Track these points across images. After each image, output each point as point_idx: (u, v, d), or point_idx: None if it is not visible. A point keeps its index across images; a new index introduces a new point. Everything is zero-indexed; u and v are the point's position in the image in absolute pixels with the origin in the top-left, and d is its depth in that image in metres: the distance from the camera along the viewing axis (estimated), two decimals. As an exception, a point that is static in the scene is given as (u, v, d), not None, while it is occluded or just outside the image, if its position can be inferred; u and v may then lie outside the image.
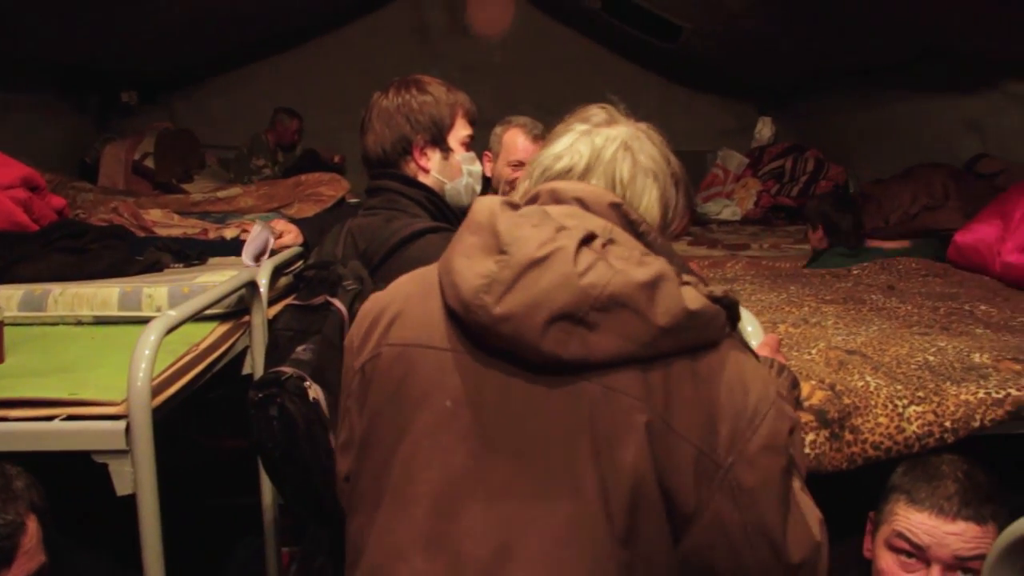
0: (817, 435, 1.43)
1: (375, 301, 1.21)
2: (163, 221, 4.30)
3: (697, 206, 5.75)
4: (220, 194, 4.77)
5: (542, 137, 2.85)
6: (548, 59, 6.45)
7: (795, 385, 1.36)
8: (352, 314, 1.57)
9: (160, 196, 5.02)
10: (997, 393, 1.50)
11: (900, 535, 1.47)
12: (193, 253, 2.88)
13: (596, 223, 1.06)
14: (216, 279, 2.18)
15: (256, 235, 2.35)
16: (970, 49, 4.05)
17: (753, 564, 1.02)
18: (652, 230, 1.11)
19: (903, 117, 4.86)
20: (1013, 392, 1.50)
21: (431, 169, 1.85)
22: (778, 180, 5.83)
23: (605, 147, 1.15)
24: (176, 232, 4.13)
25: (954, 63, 4.24)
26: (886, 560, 1.50)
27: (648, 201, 1.15)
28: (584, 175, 1.15)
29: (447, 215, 1.83)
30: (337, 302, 1.61)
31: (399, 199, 1.82)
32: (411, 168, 1.85)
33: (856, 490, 1.62)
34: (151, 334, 1.47)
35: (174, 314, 1.57)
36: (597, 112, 1.21)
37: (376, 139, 1.84)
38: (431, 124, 1.83)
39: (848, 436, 1.45)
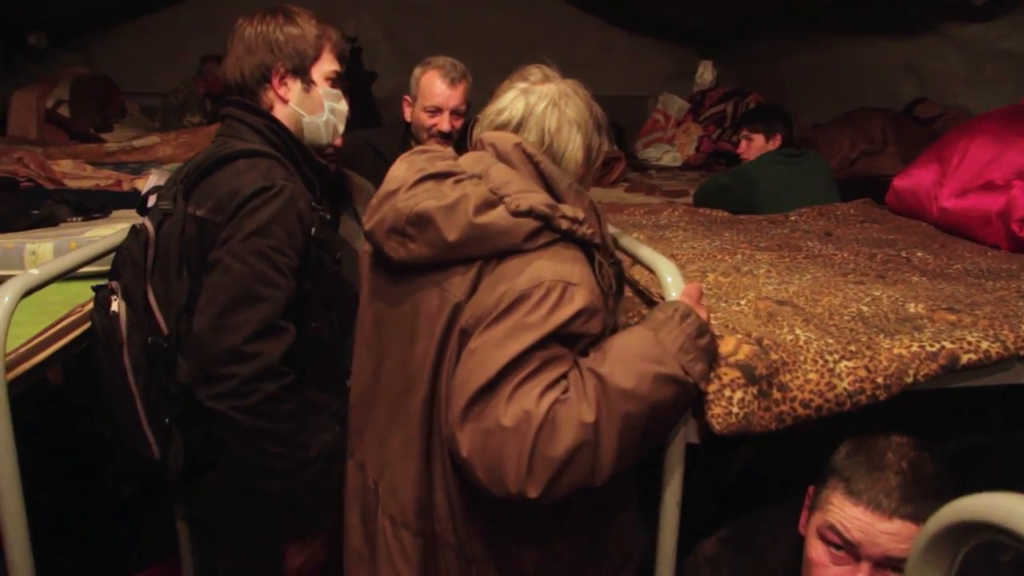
0: (745, 392, 1.33)
1: None
2: (74, 172, 4.04)
3: (637, 152, 5.64)
4: (136, 143, 4.50)
5: (461, 80, 2.69)
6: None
7: (701, 332, 1.31)
8: (159, 234, 1.62)
9: (74, 146, 4.73)
10: (931, 346, 1.42)
11: (832, 528, 1.38)
12: (95, 206, 2.68)
13: (482, 165, 1.38)
14: (105, 232, 2.00)
15: (153, 183, 2.16)
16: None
17: (448, 417, 1.27)
18: (544, 160, 1.38)
19: (844, 60, 4.78)
20: (947, 345, 1.42)
21: (290, 100, 1.76)
22: (719, 125, 5.74)
23: (537, 104, 1.43)
24: (88, 184, 3.89)
25: (895, 5, 4.16)
26: (816, 550, 1.41)
27: (573, 146, 1.44)
28: (519, 127, 1.43)
29: (291, 148, 1.74)
30: (148, 223, 1.64)
31: (238, 126, 1.73)
32: (269, 97, 1.76)
33: (800, 453, 1.56)
34: (4, 295, 1.30)
35: (36, 273, 1.40)
36: (535, 72, 1.49)
37: (235, 64, 1.75)
38: (294, 54, 1.74)
39: (776, 394, 1.35)
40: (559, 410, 1.18)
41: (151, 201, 1.73)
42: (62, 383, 2.32)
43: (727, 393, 1.33)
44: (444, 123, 2.70)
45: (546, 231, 1.29)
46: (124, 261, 1.67)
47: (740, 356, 1.36)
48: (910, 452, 1.38)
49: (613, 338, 1.29)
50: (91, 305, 1.81)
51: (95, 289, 1.67)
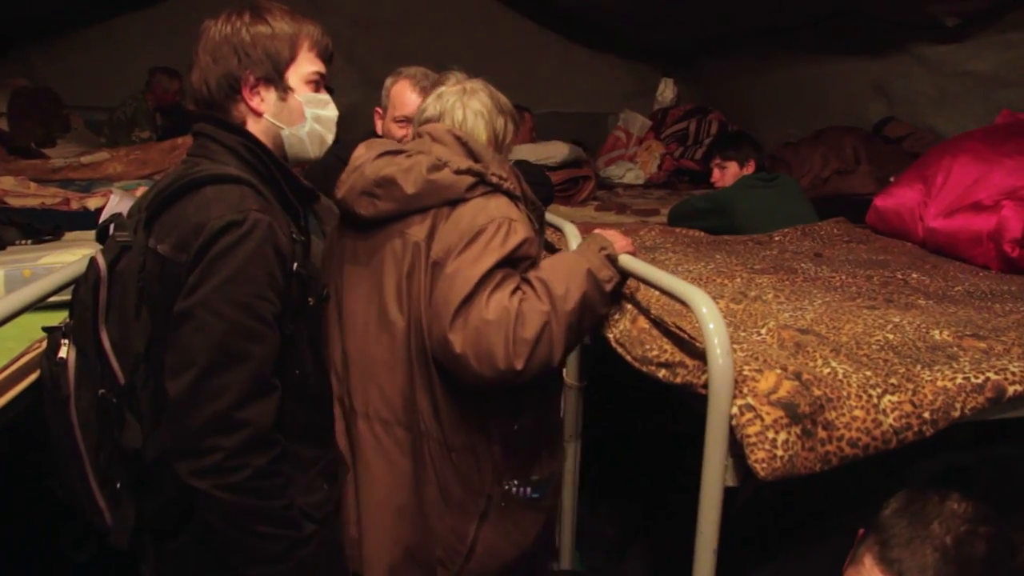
0: (788, 433, 1.23)
1: None
2: (16, 190, 3.79)
3: (599, 170, 5.58)
4: (84, 159, 4.27)
5: (433, 87, 2.60)
6: (442, 14, 6.09)
7: (604, 247, 1.77)
8: (114, 271, 1.42)
9: (15, 161, 4.48)
10: (976, 378, 1.34)
11: None
12: (45, 227, 2.49)
13: (425, 146, 1.76)
14: (65, 259, 1.83)
15: (115, 206, 2.00)
16: (877, 10, 3.97)
17: (434, 328, 1.62)
18: (472, 141, 1.77)
19: (809, 79, 4.78)
20: (992, 376, 1.35)
21: (264, 112, 1.52)
22: (681, 143, 5.70)
23: (447, 102, 1.84)
24: (32, 202, 3.66)
25: (861, 24, 4.16)
26: None
27: (480, 130, 1.83)
28: (439, 120, 1.84)
29: (271, 169, 1.51)
30: (99, 258, 1.42)
31: (209, 144, 1.50)
32: (240, 109, 1.52)
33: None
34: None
35: (-9, 310, 1.23)
36: (450, 77, 1.92)
37: (201, 75, 1.50)
38: (265, 58, 1.49)
39: (822, 433, 1.26)
40: (524, 305, 1.58)
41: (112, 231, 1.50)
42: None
43: (770, 435, 1.22)
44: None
45: (481, 184, 1.71)
46: (75, 300, 1.47)
47: (782, 393, 1.26)
48: (961, 525, 1.22)
49: (545, 260, 1.75)
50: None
51: (46, 330, 1.45)
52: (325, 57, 1.58)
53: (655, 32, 5.95)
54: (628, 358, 1.63)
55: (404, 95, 2.55)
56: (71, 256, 1.85)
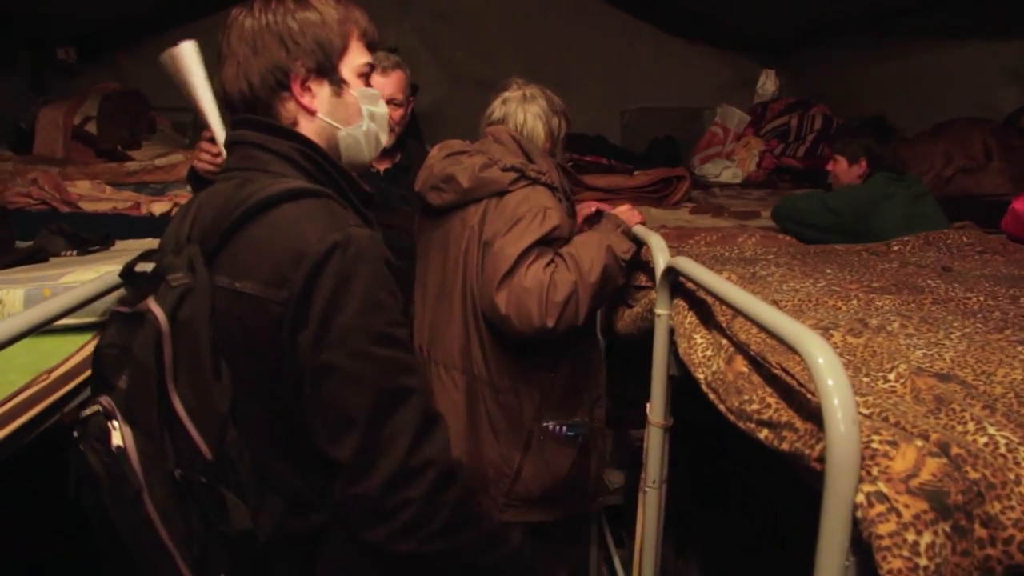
0: (935, 533, 0.92)
1: None
2: (91, 194, 3.75)
3: (694, 168, 5.24)
4: (159, 162, 4.20)
5: (394, 69, 2.67)
6: (530, 6, 5.83)
7: (618, 224, 2.23)
8: (176, 321, 1.16)
9: (98, 165, 4.45)
10: None
11: None
12: (94, 237, 2.36)
13: (486, 146, 2.23)
14: (84, 277, 1.66)
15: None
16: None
17: (484, 294, 2.09)
18: (528, 142, 2.24)
19: (927, 67, 4.32)
20: None
21: (318, 109, 1.33)
22: (782, 139, 5.30)
23: (510, 106, 2.30)
24: (105, 207, 3.60)
25: (989, 2, 3.70)
26: None
27: (538, 132, 2.29)
28: (503, 122, 2.30)
29: (331, 175, 1.32)
30: (155, 308, 1.16)
31: (258, 154, 1.30)
32: (289, 109, 1.33)
33: None
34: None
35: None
36: (512, 84, 2.34)
37: (238, 70, 1.30)
38: (316, 47, 1.30)
39: (980, 531, 0.95)
40: (556, 275, 2.01)
41: (141, 267, 1.30)
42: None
43: (910, 537, 0.91)
44: None
45: (522, 179, 2.13)
46: (113, 364, 1.20)
47: (925, 477, 0.95)
48: None
49: (576, 238, 2.15)
50: (61, 369, 1.47)
51: (75, 425, 1.21)
52: (372, 47, 1.40)
53: (755, 20, 5.56)
54: (722, 408, 1.34)
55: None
56: (93, 274, 1.67)
